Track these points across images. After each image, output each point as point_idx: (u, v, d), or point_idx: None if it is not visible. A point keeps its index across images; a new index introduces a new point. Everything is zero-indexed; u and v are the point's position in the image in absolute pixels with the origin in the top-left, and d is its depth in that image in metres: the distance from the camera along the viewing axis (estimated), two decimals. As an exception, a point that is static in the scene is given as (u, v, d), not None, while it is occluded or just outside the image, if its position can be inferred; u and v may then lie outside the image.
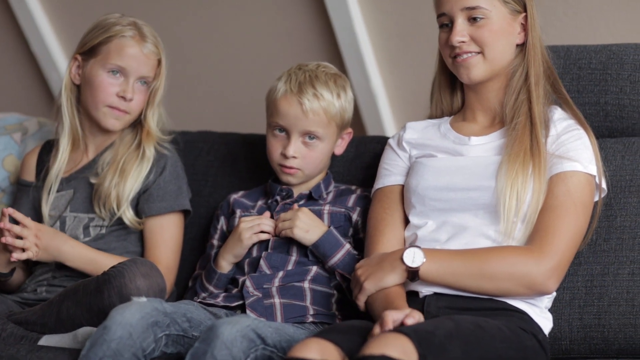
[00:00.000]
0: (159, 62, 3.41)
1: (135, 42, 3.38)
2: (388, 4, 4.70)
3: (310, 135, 3.13)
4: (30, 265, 3.51)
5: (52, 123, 4.08)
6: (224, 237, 3.35)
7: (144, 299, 2.46)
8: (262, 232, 3.14)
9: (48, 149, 3.68)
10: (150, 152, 3.43)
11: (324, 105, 3.10)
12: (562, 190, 2.60)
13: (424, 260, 2.48)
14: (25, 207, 3.54)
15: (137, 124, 3.51)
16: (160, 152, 3.49)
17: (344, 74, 3.54)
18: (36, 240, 3.16)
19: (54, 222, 3.40)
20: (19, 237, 3.12)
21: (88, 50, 3.50)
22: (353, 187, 3.40)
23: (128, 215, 3.38)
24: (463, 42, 2.75)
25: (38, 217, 3.42)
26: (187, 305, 2.68)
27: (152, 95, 3.46)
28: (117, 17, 3.51)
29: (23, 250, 3.13)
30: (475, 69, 2.78)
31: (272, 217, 3.25)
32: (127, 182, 3.36)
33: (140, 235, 3.48)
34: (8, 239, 3.09)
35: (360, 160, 3.63)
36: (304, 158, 3.17)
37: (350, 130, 3.37)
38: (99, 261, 3.25)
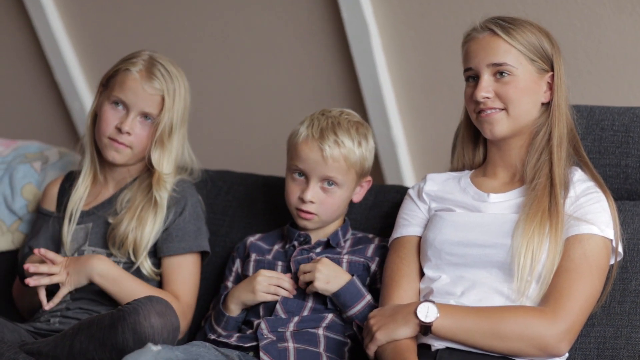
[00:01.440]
0: (163, 99, 3.39)
1: (139, 77, 3.38)
2: (413, 54, 4.72)
3: (329, 181, 3.14)
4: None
5: (73, 153, 4.12)
6: (238, 280, 3.35)
7: (159, 347, 2.45)
8: (275, 294, 3.13)
9: (70, 180, 3.70)
10: (161, 198, 3.42)
11: (344, 153, 3.10)
12: (579, 252, 2.59)
13: (438, 315, 2.48)
14: (43, 236, 3.55)
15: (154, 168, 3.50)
16: (180, 192, 3.49)
17: (365, 121, 3.55)
18: (66, 269, 3.18)
19: (72, 254, 3.41)
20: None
21: (105, 82, 3.54)
22: (370, 236, 3.40)
23: (146, 265, 3.39)
24: (488, 97, 2.76)
25: (56, 248, 3.43)
26: (199, 348, 2.68)
27: (158, 133, 3.44)
28: (139, 52, 3.53)
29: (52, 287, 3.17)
30: (498, 125, 2.79)
31: (289, 261, 3.25)
32: (144, 231, 3.36)
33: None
34: (34, 282, 3.12)
35: (378, 209, 3.63)
36: (322, 204, 3.17)
37: (369, 178, 3.38)
38: (124, 280, 3.29)
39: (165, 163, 3.44)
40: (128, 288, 3.23)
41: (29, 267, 3.12)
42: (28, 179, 4.10)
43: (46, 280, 3.12)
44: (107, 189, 3.62)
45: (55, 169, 4.16)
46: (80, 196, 3.57)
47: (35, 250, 3.21)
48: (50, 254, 3.20)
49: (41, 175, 4.14)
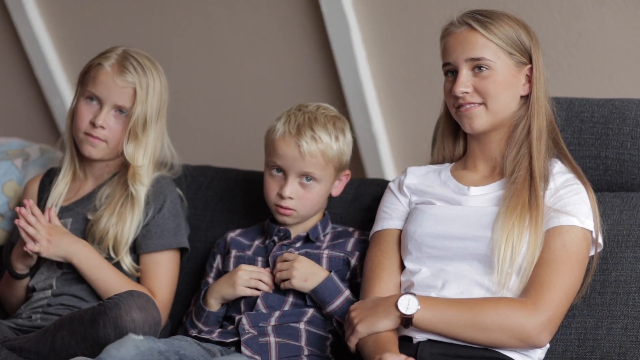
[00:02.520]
0: (136, 92, 3.38)
1: (111, 71, 3.37)
2: (393, 47, 4.72)
3: (307, 176, 3.13)
4: (27, 290, 3.51)
5: (54, 150, 4.11)
6: (219, 276, 3.35)
7: (140, 337, 2.45)
8: (257, 288, 3.13)
9: (51, 177, 3.69)
10: (137, 192, 3.40)
11: (321, 148, 3.10)
12: (558, 244, 2.60)
13: (418, 307, 2.48)
14: None
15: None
16: (159, 188, 3.49)
17: (345, 115, 3.55)
18: (48, 236, 3.17)
19: None
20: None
21: (81, 78, 3.54)
22: (350, 230, 3.40)
23: (127, 261, 3.39)
24: (466, 92, 2.76)
25: None
26: (180, 342, 2.67)
27: (130, 125, 3.42)
28: (114, 47, 3.53)
29: (34, 242, 3.15)
30: (477, 119, 2.79)
31: (269, 256, 3.24)
32: (124, 227, 3.36)
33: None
34: (21, 222, 3.11)
35: (359, 202, 3.63)
36: (300, 199, 3.17)
37: (348, 172, 3.37)
38: (102, 269, 3.29)
39: (140, 157, 3.42)
40: (106, 277, 3.24)
41: (20, 209, 3.17)
42: (9, 176, 4.08)
43: (30, 230, 3.12)
44: (87, 184, 3.62)
45: (36, 166, 4.15)
46: (60, 192, 3.57)
47: (25, 201, 3.23)
48: (37, 210, 3.22)
49: (22, 172, 4.12)
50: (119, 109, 3.37)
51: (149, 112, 3.40)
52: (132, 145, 3.41)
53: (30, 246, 3.16)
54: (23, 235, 3.16)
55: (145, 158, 3.45)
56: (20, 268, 3.34)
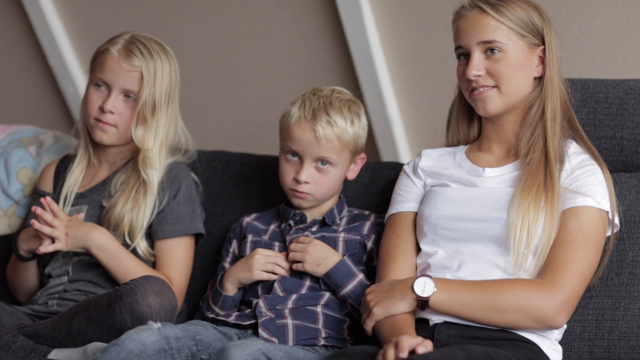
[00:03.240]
0: (142, 76, 3.37)
1: (118, 56, 3.37)
2: (406, 30, 4.70)
3: (323, 160, 3.13)
4: (43, 277, 3.52)
5: (68, 137, 4.11)
6: (235, 261, 3.35)
7: (159, 324, 2.46)
8: (273, 272, 3.13)
9: (66, 163, 3.70)
10: (148, 176, 3.40)
11: (337, 132, 3.09)
12: (575, 225, 2.59)
13: (435, 290, 2.48)
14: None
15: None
16: (174, 174, 3.48)
17: (359, 99, 3.54)
18: (66, 229, 3.17)
19: None
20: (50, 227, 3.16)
21: (91, 65, 3.55)
22: (366, 213, 3.39)
23: (142, 246, 3.39)
24: (479, 75, 2.75)
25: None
26: (197, 327, 2.68)
27: (138, 108, 3.41)
28: (123, 33, 3.54)
29: (52, 241, 3.15)
30: (491, 102, 2.78)
31: (284, 241, 3.24)
32: (139, 213, 3.36)
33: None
34: (37, 224, 3.12)
35: (374, 185, 3.62)
36: (316, 183, 3.17)
37: (363, 155, 3.37)
38: (122, 258, 3.28)
39: (149, 140, 3.41)
40: (125, 264, 3.24)
41: (36, 209, 3.15)
42: (24, 163, 4.09)
43: (47, 230, 3.13)
44: (102, 171, 3.62)
45: (50, 153, 4.15)
46: (76, 179, 3.57)
47: (42, 200, 3.23)
48: (55, 206, 3.22)
49: (37, 159, 4.13)
50: (127, 94, 3.37)
51: (158, 95, 3.40)
52: (141, 129, 3.41)
53: (44, 248, 3.17)
54: (40, 235, 3.17)
55: (156, 142, 3.44)
56: (24, 250, 3.35)
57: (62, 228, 3.17)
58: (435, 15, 4.46)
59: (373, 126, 4.46)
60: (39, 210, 3.15)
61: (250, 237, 3.34)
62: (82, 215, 3.43)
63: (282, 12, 5.15)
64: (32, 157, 4.15)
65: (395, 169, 3.53)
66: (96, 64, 3.47)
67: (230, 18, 5.34)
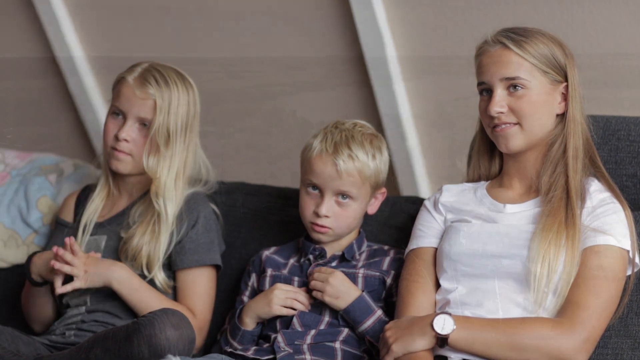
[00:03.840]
0: (156, 103, 3.37)
1: (133, 83, 3.38)
2: (428, 65, 4.71)
3: (343, 195, 3.13)
4: (61, 307, 3.52)
5: (88, 165, 4.14)
6: (254, 294, 3.34)
7: (178, 359, 2.45)
8: (292, 308, 3.12)
9: (87, 193, 3.72)
10: (160, 207, 3.40)
11: (358, 167, 3.09)
12: (595, 263, 2.58)
13: (454, 327, 2.47)
14: (58, 246, 3.56)
15: None
16: (192, 204, 3.48)
17: (380, 132, 3.54)
18: (85, 267, 3.18)
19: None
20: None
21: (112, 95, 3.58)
22: (386, 248, 3.38)
23: (160, 277, 3.39)
24: (501, 112, 2.74)
25: None
26: None
27: (150, 136, 3.41)
28: (140, 62, 3.55)
29: (71, 278, 3.17)
30: (513, 139, 2.77)
31: (305, 275, 3.24)
32: (157, 244, 3.36)
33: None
34: (57, 264, 3.13)
35: (394, 220, 3.62)
36: (337, 218, 3.16)
37: (384, 190, 3.36)
38: (142, 292, 3.26)
39: (163, 170, 3.41)
40: (146, 299, 3.24)
41: (57, 249, 3.15)
42: (43, 192, 4.11)
43: (67, 269, 3.14)
44: (121, 201, 3.63)
45: (70, 182, 4.17)
46: (95, 208, 3.58)
47: (66, 240, 3.23)
48: (76, 246, 3.23)
49: (56, 187, 4.15)
50: (142, 122, 3.38)
51: (173, 124, 3.39)
52: (154, 158, 3.41)
53: (67, 287, 3.19)
54: (58, 272, 3.19)
55: (171, 172, 3.44)
56: (36, 274, 3.36)
57: (82, 266, 3.18)
58: (457, 49, 4.47)
59: (393, 160, 4.47)
60: (60, 251, 3.16)
61: (269, 271, 3.33)
62: (99, 255, 3.44)
63: (303, 43, 5.16)
64: (51, 185, 4.17)
65: (415, 204, 3.53)
66: (114, 92, 3.50)
67: (251, 48, 5.36)
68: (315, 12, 4.94)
